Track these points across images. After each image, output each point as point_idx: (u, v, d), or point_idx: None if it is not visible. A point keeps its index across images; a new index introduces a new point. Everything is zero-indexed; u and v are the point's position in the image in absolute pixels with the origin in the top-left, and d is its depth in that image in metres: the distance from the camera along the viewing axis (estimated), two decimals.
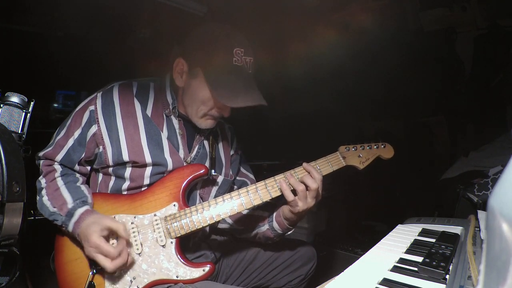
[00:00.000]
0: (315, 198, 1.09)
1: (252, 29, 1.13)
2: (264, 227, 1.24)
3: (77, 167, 1.16)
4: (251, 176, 1.41)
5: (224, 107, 1.12)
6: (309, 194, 1.07)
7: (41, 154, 1.16)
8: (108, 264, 0.96)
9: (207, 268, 1.06)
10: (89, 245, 0.98)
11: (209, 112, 1.13)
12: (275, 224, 1.21)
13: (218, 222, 1.14)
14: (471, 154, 2.05)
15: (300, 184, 1.07)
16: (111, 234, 1.02)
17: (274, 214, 1.22)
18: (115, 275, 1.03)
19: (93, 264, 1.05)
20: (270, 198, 1.10)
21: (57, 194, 1.09)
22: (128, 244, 1.03)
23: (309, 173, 1.09)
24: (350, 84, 2.81)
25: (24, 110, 1.09)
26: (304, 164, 1.12)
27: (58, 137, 1.15)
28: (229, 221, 1.30)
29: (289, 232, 1.22)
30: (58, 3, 2.00)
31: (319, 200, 1.11)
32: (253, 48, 1.11)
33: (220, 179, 1.25)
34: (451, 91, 2.69)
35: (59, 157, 1.14)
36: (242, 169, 1.41)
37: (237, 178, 1.37)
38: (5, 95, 1.07)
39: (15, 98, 1.07)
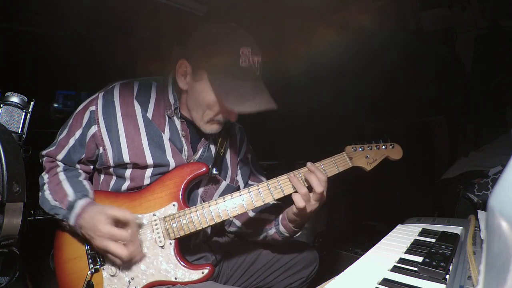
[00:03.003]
0: (318, 201, 1.06)
1: (252, 29, 1.12)
2: (271, 231, 1.22)
3: (77, 166, 1.17)
4: (263, 179, 1.35)
5: (231, 112, 1.08)
6: (313, 197, 1.04)
7: (44, 152, 1.17)
8: (122, 251, 0.96)
9: (206, 270, 1.05)
10: (99, 234, 0.97)
11: (215, 118, 1.09)
12: (281, 228, 1.18)
13: (220, 223, 1.13)
14: (471, 154, 2.05)
15: (303, 187, 1.03)
16: (117, 224, 1.01)
17: (280, 218, 1.19)
18: (113, 275, 1.03)
19: (94, 261, 1.05)
20: (273, 199, 1.07)
21: (58, 188, 1.09)
22: (138, 227, 1.03)
23: (313, 173, 1.05)
24: (350, 84, 2.80)
25: (24, 110, 1.09)
26: (309, 164, 1.07)
27: (61, 137, 1.16)
28: (238, 224, 1.28)
29: (297, 234, 1.20)
30: (58, 3, 2.00)
31: (324, 201, 1.08)
32: (260, 46, 1.05)
33: (223, 184, 1.23)
34: (451, 91, 2.69)
35: (60, 156, 1.15)
36: (255, 172, 1.36)
37: (249, 181, 1.33)
38: (5, 95, 1.07)
39: (15, 98, 1.07)
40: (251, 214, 1.26)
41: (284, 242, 1.23)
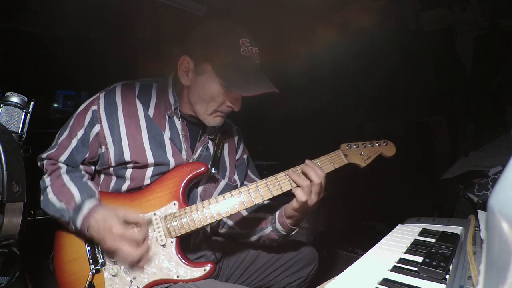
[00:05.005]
0: (318, 194, 1.08)
1: (252, 28, 1.13)
2: (267, 229, 1.22)
3: (81, 167, 1.16)
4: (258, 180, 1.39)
5: (235, 101, 1.11)
6: (313, 189, 1.07)
7: (44, 155, 1.16)
8: (134, 252, 0.97)
9: (207, 267, 1.06)
10: (112, 236, 0.97)
11: (219, 108, 1.12)
12: (278, 225, 1.19)
13: (219, 221, 1.13)
14: (471, 154, 2.05)
15: (305, 179, 1.07)
16: (127, 225, 1.01)
17: (277, 215, 1.20)
18: (115, 275, 1.03)
19: (95, 262, 1.05)
20: (271, 196, 1.09)
21: (64, 190, 1.08)
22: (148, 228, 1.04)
23: (311, 168, 1.08)
24: (350, 84, 2.81)
25: (24, 110, 1.09)
26: (307, 161, 1.11)
27: (61, 138, 1.15)
28: (232, 224, 1.28)
29: (293, 232, 1.21)
30: (58, 3, 2.00)
31: (321, 197, 1.11)
32: (259, 46, 1.11)
33: (222, 183, 1.24)
34: (451, 91, 2.69)
35: (62, 158, 1.13)
36: (250, 174, 1.39)
37: (245, 182, 1.35)
38: (5, 95, 1.07)
39: (15, 98, 1.07)
40: (245, 213, 1.27)
41: (280, 242, 1.24)
